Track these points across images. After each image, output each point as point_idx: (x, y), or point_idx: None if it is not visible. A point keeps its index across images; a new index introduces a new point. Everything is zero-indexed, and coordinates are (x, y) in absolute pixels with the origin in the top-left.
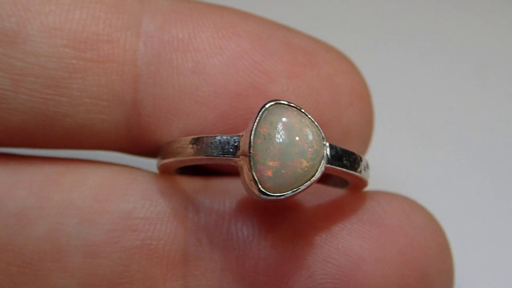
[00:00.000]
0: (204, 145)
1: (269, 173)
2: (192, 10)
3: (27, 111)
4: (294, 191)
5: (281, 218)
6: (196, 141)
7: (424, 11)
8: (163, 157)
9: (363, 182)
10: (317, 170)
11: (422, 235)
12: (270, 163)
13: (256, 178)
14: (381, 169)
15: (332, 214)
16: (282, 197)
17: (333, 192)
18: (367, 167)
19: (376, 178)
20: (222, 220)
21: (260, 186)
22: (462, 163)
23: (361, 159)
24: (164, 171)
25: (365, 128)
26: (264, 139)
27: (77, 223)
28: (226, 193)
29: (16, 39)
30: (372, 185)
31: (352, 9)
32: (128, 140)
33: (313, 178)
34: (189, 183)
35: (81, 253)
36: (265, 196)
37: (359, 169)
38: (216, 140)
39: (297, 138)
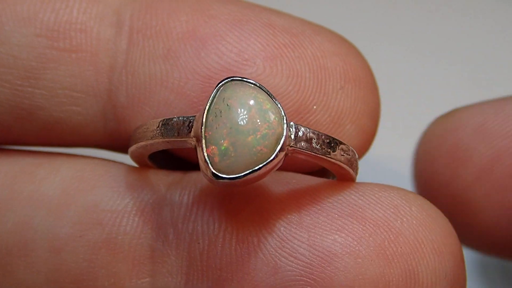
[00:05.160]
0: (162, 127)
1: (220, 153)
2: None
3: (1, 103)
4: (247, 173)
5: (250, 210)
6: (157, 124)
7: (426, 12)
8: (130, 145)
9: (344, 171)
10: (274, 151)
11: (413, 230)
12: (221, 142)
13: (207, 159)
14: (383, 165)
15: (306, 204)
16: (235, 179)
17: (314, 181)
18: (348, 153)
19: (378, 173)
20: (189, 214)
21: (211, 168)
22: None
23: (339, 143)
24: (137, 161)
25: (364, 117)
26: (215, 116)
27: (44, 215)
28: (199, 185)
29: None
30: (373, 180)
31: (353, 10)
32: (105, 133)
33: (270, 159)
34: (164, 177)
35: (46, 247)
36: (217, 179)
37: (334, 154)
38: (173, 122)
39: (250, 115)
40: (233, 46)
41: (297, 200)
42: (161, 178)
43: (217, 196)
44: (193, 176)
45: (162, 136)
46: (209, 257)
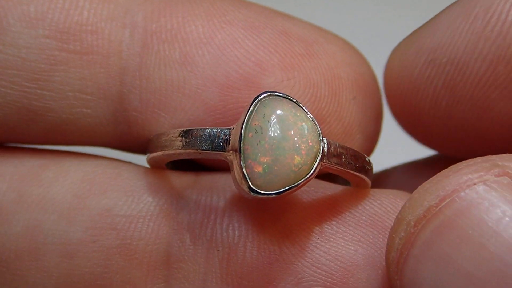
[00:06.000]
0: (193, 138)
1: (260, 169)
2: None
3: (8, 105)
4: (287, 189)
5: (270, 218)
6: (185, 133)
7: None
8: (152, 151)
9: (364, 182)
10: (312, 167)
11: None
12: (261, 159)
13: (246, 175)
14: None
15: (326, 214)
16: (273, 195)
17: (331, 189)
18: (369, 166)
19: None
20: (207, 219)
21: (250, 183)
22: None
23: (363, 158)
24: (154, 165)
25: (371, 125)
26: (256, 132)
27: (56, 220)
28: (215, 189)
29: None
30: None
31: (361, 9)
32: (116, 135)
33: (307, 175)
34: (178, 179)
35: (58, 252)
36: (255, 194)
37: (360, 168)
38: (205, 133)
39: (291, 133)
40: (251, 54)
41: (317, 210)
42: (174, 180)
43: (236, 204)
44: (207, 179)
45: (193, 147)
46: (229, 264)
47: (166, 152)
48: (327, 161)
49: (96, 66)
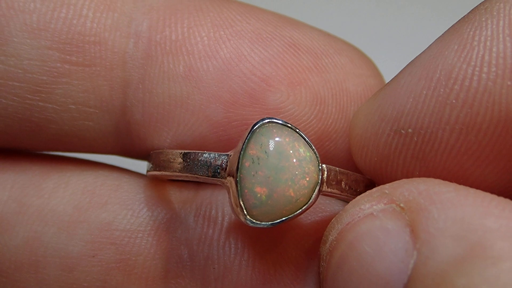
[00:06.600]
0: (190, 162)
1: (256, 200)
2: (190, 6)
3: (10, 116)
4: (283, 220)
5: (266, 237)
6: (183, 156)
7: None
8: (151, 168)
9: None
10: (310, 198)
11: None
12: (258, 189)
13: (242, 205)
14: None
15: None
16: (268, 225)
17: (332, 206)
18: (372, 187)
19: None
20: (205, 236)
21: (246, 213)
22: None
23: (365, 181)
24: (154, 179)
25: None
26: (253, 162)
27: (56, 232)
28: (214, 205)
29: None
30: None
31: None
32: (117, 146)
33: (304, 206)
34: (178, 192)
35: (58, 265)
36: (251, 224)
37: (361, 192)
38: (203, 158)
39: (288, 163)
40: (257, 69)
41: (314, 230)
42: (174, 193)
43: (234, 221)
44: (207, 194)
45: (191, 172)
46: (223, 283)
47: (164, 173)
48: (327, 188)
49: (99, 78)
